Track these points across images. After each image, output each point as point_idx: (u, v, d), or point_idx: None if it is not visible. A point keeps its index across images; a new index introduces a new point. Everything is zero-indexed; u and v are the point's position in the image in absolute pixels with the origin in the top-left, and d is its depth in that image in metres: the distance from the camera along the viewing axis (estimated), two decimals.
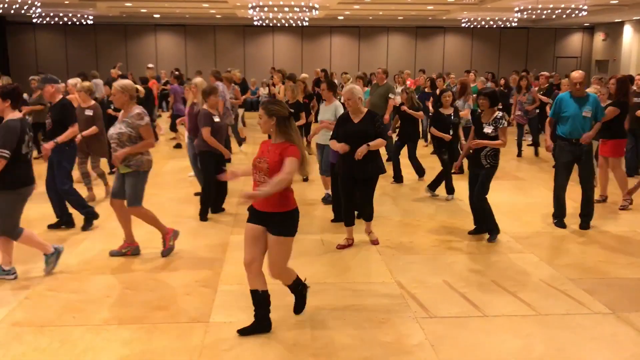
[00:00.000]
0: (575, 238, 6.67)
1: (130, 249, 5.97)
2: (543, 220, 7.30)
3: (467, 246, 6.33)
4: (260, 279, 4.21)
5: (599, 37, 25.66)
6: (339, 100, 7.86)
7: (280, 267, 4.25)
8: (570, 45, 26.84)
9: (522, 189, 9.14)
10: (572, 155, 6.88)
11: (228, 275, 5.39)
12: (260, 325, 4.25)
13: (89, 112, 7.91)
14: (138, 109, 5.61)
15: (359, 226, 6.47)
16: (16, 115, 5.16)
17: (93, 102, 8.08)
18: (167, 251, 5.94)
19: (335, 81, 15.04)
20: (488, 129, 6.33)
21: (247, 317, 4.49)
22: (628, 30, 22.96)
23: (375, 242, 6.34)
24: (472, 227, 6.78)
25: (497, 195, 8.55)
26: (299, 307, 4.59)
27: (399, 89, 14.00)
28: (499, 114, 6.36)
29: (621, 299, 4.96)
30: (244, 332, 4.24)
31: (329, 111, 7.55)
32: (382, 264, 5.74)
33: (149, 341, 4.16)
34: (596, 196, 8.19)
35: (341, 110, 7.50)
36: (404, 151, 9.36)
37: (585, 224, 6.99)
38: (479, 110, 6.54)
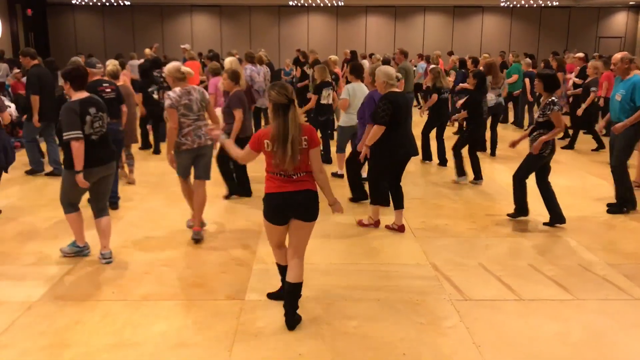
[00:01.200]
0: (615, 223, 6.52)
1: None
2: (582, 204, 7.16)
3: (504, 229, 6.25)
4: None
5: None
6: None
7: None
8: (614, 25, 25.98)
9: (561, 173, 8.95)
10: (610, 140, 6.75)
11: (263, 254, 5.44)
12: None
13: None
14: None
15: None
16: (80, 95, 5.07)
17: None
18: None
19: (366, 62, 14.97)
20: (537, 115, 6.17)
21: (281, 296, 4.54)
22: None
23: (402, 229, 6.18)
24: (509, 210, 6.68)
25: (533, 179, 8.41)
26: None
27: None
28: (552, 99, 6.13)
29: None
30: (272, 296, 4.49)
31: (344, 92, 7.77)
32: (416, 246, 5.72)
33: (186, 317, 4.24)
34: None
35: (359, 91, 7.51)
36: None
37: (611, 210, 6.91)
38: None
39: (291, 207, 3.96)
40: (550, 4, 23.12)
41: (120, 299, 4.52)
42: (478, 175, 8.21)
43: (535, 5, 24.02)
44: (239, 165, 7.25)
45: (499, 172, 8.82)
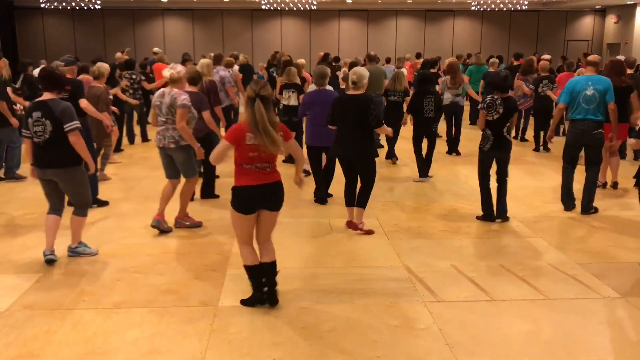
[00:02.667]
0: (584, 223, 6.64)
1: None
2: (552, 205, 7.27)
3: (476, 231, 6.32)
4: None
5: (611, 19, 25.33)
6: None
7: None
8: (582, 28, 26.51)
9: (531, 174, 9.10)
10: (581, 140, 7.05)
11: (237, 260, 5.39)
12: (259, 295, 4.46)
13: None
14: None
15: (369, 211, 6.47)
16: (43, 97, 5.22)
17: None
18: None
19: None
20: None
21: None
22: None
23: (369, 232, 6.17)
24: (479, 212, 6.76)
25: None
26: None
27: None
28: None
29: (630, 283, 4.95)
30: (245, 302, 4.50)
31: None
32: (390, 248, 5.75)
33: (158, 324, 4.20)
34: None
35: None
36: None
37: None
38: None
39: (264, 198, 4.28)
40: (519, 8, 23.49)
41: (91, 307, 4.45)
42: (421, 173, 8.55)
43: (505, 9, 24.37)
44: (209, 165, 7.28)
45: (470, 173, 8.91)
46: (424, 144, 8.64)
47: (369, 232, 6.15)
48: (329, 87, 7.38)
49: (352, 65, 11.69)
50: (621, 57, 10.54)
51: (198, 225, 6.39)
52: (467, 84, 11.27)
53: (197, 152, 6.20)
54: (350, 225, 6.20)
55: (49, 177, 5.26)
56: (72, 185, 5.34)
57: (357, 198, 6.18)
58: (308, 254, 5.61)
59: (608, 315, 4.37)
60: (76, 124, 5.15)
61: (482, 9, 24.88)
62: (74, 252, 5.50)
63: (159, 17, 25.49)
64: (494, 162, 6.54)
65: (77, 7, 22.57)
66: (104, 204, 7.18)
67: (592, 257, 5.55)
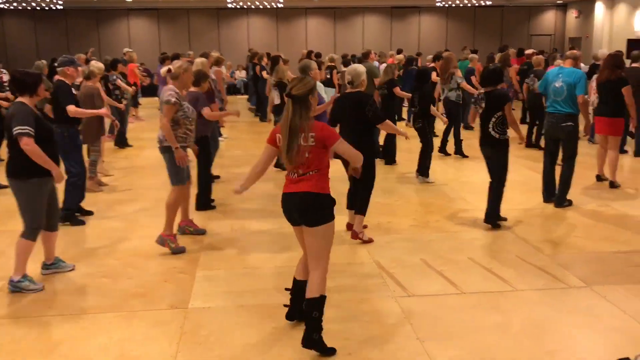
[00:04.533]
0: (550, 214, 6.75)
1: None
2: (520, 198, 7.38)
3: (445, 225, 6.38)
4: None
5: (572, 14, 25.83)
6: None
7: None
8: (544, 23, 26.97)
9: None
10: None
11: (206, 262, 5.37)
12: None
13: None
14: None
15: None
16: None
17: None
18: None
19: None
20: None
21: (226, 302, 4.51)
22: (600, 7, 23.14)
23: (369, 241, 5.84)
24: (450, 206, 6.83)
25: (474, 174, 8.63)
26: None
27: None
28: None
29: (595, 272, 5.05)
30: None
31: None
32: (360, 244, 5.76)
33: (127, 329, 4.13)
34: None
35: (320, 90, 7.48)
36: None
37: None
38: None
39: (294, 209, 3.75)
40: (484, 4, 23.78)
41: (57, 314, 4.36)
42: (419, 170, 8.38)
43: (469, 5, 24.65)
44: (204, 173, 6.94)
45: (439, 168, 8.99)
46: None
47: (369, 241, 5.83)
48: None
49: (345, 62, 11.55)
50: (619, 51, 10.30)
51: (182, 250, 5.63)
52: (460, 78, 10.92)
53: (176, 154, 5.53)
54: (353, 235, 5.85)
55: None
56: (17, 200, 4.72)
57: (356, 204, 5.88)
58: (279, 252, 5.58)
59: (575, 305, 4.45)
60: (24, 128, 4.53)
61: (447, 5, 25.13)
62: (15, 286, 4.71)
63: (123, 17, 25.10)
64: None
65: (39, 7, 22.08)
66: (87, 213, 6.75)
67: (559, 248, 5.65)
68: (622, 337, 3.96)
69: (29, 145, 4.56)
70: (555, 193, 7.06)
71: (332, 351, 3.75)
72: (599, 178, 8.12)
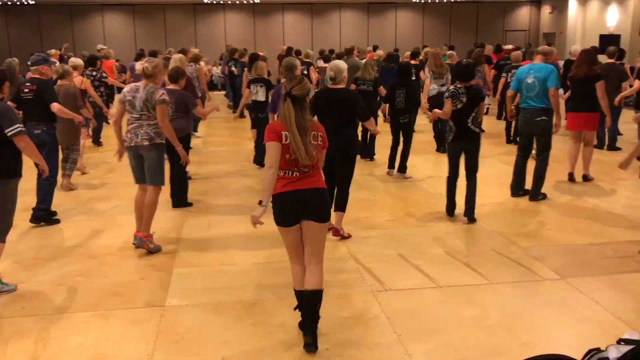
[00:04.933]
0: (524, 208, 6.84)
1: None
2: (495, 192, 7.46)
3: (422, 219, 6.42)
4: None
5: (546, 10, 26.13)
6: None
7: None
8: (519, 19, 27.25)
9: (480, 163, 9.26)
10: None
11: (183, 259, 5.34)
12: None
13: None
14: None
15: None
16: None
17: None
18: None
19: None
20: None
21: (203, 300, 4.49)
22: (573, 4, 23.46)
23: (348, 237, 5.87)
24: (427, 201, 6.89)
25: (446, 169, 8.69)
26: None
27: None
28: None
29: (569, 265, 5.13)
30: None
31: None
32: (338, 240, 5.77)
33: (103, 328, 4.09)
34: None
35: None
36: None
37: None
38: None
39: (303, 206, 3.71)
40: (459, 0, 23.97)
41: (31, 314, 4.29)
42: (389, 166, 8.52)
43: (445, 1, 24.80)
44: (180, 171, 6.91)
45: (416, 162, 9.03)
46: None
47: (348, 237, 5.86)
48: None
49: (325, 58, 11.50)
50: (592, 47, 10.38)
51: (158, 250, 5.57)
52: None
53: (182, 155, 5.82)
54: (334, 232, 5.81)
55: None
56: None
57: (336, 201, 5.80)
58: (255, 249, 5.57)
59: (549, 297, 4.52)
60: (19, 127, 4.53)
61: (423, 1, 25.26)
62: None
63: (98, 12, 24.74)
64: (463, 155, 6.35)
65: (10, 2, 21.67)
66: (54, 221, 6.48)
67: (533, 241, 5.73)
68: (594, 328, 4.04)
69: (27, 142, 4.62)
70: (524, 187, 7.20)
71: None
72: (571, 177, 8.03)
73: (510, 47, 14.49)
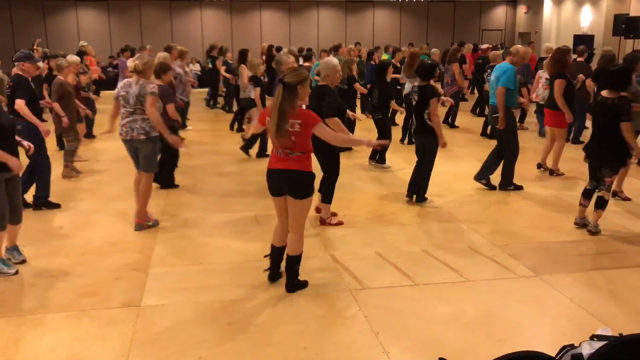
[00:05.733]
0: (501, 206, 6.91)
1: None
2: (471, 190, 7.52)
3: (399, 217, 6.45)
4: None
5: (522, 10, 26.47)
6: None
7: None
8: (495, 18, 27.55)
9: (450, 159, 9.36)
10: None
11: (159, 258, 5.28)
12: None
13: None
14: None
15: None
16: None
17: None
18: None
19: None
20: None
21: (180, 299, 4.45)
22: (548, 4, 23.79)
23: (339, 223, 6.20)
24: (405, 198, 6.94)
25: None
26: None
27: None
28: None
29: (544, 262, 5.19)
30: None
31: None
32: (316, 238, 5.77)
33: (77, 329, 4.03)
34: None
35: None
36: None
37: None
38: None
39: (282, 182, 4.38)
40: None
41: (2, 316, 4.21)
42: (372, 157, 8.90)
43: (422, 0, 24.95)
44: (171, 154, 7.40)
45: (393, 161, 9.07)
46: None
47: (339, 224, 6.17)
48: None
49: (306, 56, 11.90)
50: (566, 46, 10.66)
51: (156, 224, 6.14)
52: None
53: (171, 140, 6.21)
54: (321, 221, 6.19)
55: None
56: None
57: (321, 192, 6.15)
58: (233, 248, 5.54)
59: (524, 294, 4.57)
60: None
61: (400, 0, 25.37)
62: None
63: (71, 7, 24.38)
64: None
65: None
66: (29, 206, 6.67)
67: (509, 239, 5.79)
68: (568, 324, 4.10)
69: None
70: (487, 177, 7.55)
71: (305, 283, 4.64)
72: (539, 166, 8.54)
73: (486, 46, 14.68)
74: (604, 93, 5.75)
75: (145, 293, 4.57)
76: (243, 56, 10.94)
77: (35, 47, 15.78)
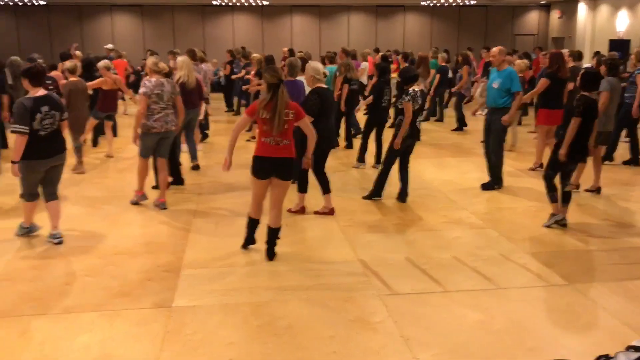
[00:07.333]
0: (533, 212, 6.82)
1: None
2: (500, 196, 7.44)
3: (429, 223, 6.41)
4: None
5: (555, 14, 26.06)
6: None
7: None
8: (528, 23, 27.18)
9: (478, 167, 9.25)
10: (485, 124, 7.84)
11: (190, 260, 5.35)
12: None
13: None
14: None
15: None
16: (36, 92, 5.45)
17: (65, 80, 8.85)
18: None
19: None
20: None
21: (211, 301, 4.50)
22: (582, 8, 23.38)
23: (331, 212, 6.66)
24: (435, 205, 6.90)
25: (454, 173, 8.70)
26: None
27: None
28: (409, 90, 6.91)
29: (576, 270, 5.11)
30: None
31: None
32: (345, 243, 5.77)
33: (110, 328, 4.10)
34: (531, 164, 8.97)
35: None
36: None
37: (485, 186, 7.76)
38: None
39: (274, 168, 5.06)
40: (468, 3, 23.89)
41: (39, 314, 4.31)
42: (378, 160, 8.92)
43: (454, 4, 24.76)
44: (172, 153, 7.56)
45: (422, 167, 9.03)
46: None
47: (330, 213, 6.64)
48: (299, 79, 7.43)
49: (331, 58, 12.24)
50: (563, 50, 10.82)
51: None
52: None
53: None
54: (331, 212, 6.67)
55: (52, 165, 5.59)
56: (63, 167, 5.83)
57: (325, 184, 6.63)
58: (263, 251, 5.57)
59: (556, 303, 4.51)
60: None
61: (431, 4, 25.23)
62: (59, 237, 5.74)
63: (106, 13, 24.87)
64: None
65: (21, 3, 21.80)
66: None
67: (541, 246, 5.71)
68: (602, 334, 4.02)
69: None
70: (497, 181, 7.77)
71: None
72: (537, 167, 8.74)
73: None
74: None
75: (177, 294, 4.63)
76: (269, 63, 11.06)
77: (71, 51, 16.12)
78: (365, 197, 7.25)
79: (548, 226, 6.19)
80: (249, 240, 5.52)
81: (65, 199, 7.14)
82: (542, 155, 8.66)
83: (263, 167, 5.09)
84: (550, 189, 6.22)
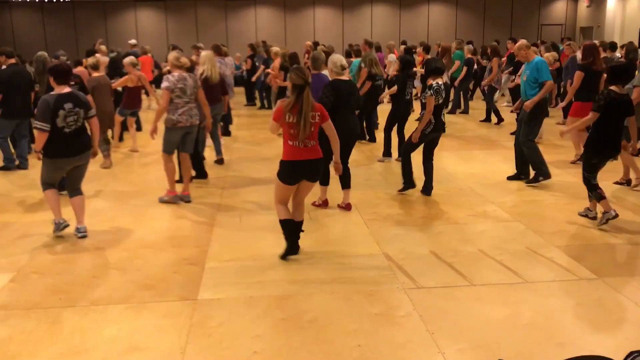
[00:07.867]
0: (561, 205, 6.70)
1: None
2: (527, 189, 7.33)
3: (454, 217, 6.34)
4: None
5: (584, 3, 25.55)
6: None
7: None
8: (555, 13, 26.69)
9: (506, 159, 9.14)
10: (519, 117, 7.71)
11: (215, 253, 5.37)
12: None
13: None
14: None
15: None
16: (61, 89, 5.52)
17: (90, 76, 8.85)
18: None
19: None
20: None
21: (235, 294, 4.51)
22: None
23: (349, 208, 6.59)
24: (459, 198, 6.83)
25: (481, 166, 8.60)
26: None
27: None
28: (431, 84, 6.83)
29: (606, 264, 5.01)
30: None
31: None
32: (369, 236, 5.74)
33: (137, 320, 4.14)
34: (572, 157, 8.84)
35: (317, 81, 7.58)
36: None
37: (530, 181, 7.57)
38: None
39: (305, 171, 4.97)
40: None
41: (67, 306, 4.37)
42: (385, 153, 9.03)
43: None
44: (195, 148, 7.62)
45: (447, 160, 8.95)
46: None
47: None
48: (323, 72, 7.39)
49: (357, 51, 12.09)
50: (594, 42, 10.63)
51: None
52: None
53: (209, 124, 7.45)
54: (348, 207, 6.61)
55: (77, 164, 5.67)
56: (87, 165, 5.90)
57: (345, 179, 6.57)
58: (284, 245, 5.57)
59: (585, 297, 4.42)
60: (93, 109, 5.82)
61: None
62: (83, 232, 5.80)
63: (130, 8, 25.08)
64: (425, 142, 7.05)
65: (47, 0, 22.10)
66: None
67: (569, 240, 5.61)
68: (633, 329, 3.93)
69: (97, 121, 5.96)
70: (524, 171, 7.66)
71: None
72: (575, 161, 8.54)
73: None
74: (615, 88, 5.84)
75: (202, 287, 4.65)
76: (293, 60, 11.02)
77: (96, 47, 16.29)
78: (400, 191, 7.19)
79: (601, 225, 5.85)
80: (292, 249, 5.20)
81: (91, 194, 7.23)
82: (580, 147, 8.38)
83: (295, 172, 4.95)
84: (592, 188, 5.95)
